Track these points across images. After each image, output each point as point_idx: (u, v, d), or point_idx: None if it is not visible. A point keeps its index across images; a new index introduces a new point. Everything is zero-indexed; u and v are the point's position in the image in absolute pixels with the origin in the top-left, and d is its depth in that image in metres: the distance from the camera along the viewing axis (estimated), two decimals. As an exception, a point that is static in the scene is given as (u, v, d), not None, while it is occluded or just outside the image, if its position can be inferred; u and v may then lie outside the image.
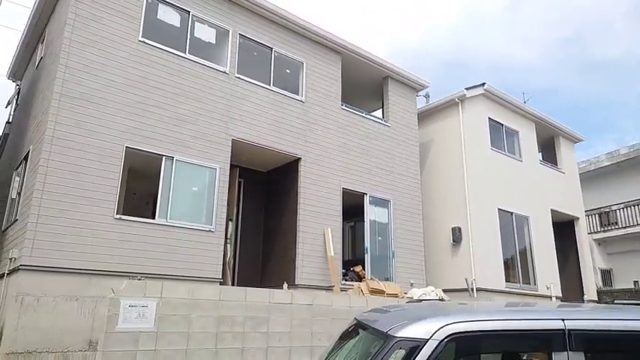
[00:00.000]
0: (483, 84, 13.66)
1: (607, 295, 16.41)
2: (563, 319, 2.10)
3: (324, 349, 3.52)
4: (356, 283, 9.64)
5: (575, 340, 2.04)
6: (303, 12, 9.28)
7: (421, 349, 2.06)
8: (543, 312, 2.48)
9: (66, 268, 6.73)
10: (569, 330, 2.07)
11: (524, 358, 2.51)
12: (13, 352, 6.17)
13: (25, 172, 8.13)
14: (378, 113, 13.29)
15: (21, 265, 6.44)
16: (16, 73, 11.93)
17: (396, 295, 9.13)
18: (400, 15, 51.78)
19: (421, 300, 8.73)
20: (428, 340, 2.08)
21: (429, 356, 2.04)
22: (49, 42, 8.94)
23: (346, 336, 3.13)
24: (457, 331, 2.09)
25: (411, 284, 10.82)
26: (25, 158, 8.25)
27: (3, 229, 8.75)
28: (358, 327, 2.93)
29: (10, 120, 11.88)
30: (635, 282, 18.77)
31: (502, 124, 14.23)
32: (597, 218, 20.72)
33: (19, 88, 11.51)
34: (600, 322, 2.18)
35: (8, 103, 11.89)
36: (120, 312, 5.65)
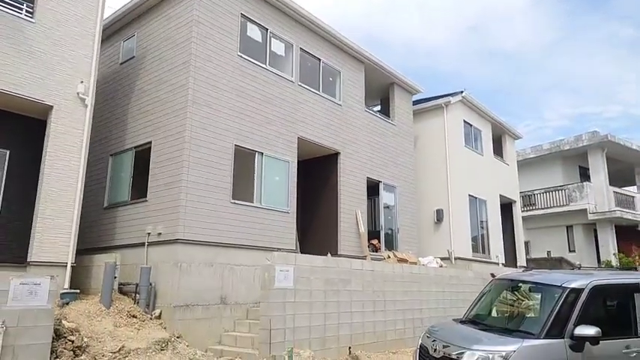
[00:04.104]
0: (462, 92, 16.78)
1: (532, 263, 20.93)
2: (637, 278, 5.06)
3: (475, 298, 6.26)
4: (385, 253, 12.43)
5: (643, 287, 5.02)
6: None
7: (582, 291, 4.85)
8: (626, 275, 5.50)
9: (203, 241, 8.67)
10: (639, 284, 5.03)
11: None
12: (177, 305, 8.13)
13: (135, 160, 9.68)
14: (375, 109, 15.86)
15: (178, 239, 8.30)
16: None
17: (415, 263, 12.09)
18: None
19: (442, 266, 11.82)
20: (585, 288, 4.87)
21: (586, 296, 4.84)
22: (145, 46, 10.25)
23: (499, 288, 5.88)
24: (597, 284, 4.92)
25: (409, 253, 13.83)
26: (137, 147, 9.76)
27: (106, 205, 10.18)
28: (515, 282, 5.69)
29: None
30: (548, 252, 23.74)
31: (472, 125, 17.57)
32: (521, 200, 25.36)
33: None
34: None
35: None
36: (275, 275, 7.86)
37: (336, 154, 12.37)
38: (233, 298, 9.02)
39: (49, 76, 8.11)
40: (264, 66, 10.54)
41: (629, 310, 5.15)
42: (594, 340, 4.65)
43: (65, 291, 7.69)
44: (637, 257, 21.32)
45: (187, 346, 7.51)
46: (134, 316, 7.75)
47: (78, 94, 8.42)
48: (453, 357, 4.96)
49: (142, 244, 8.85)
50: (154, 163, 9.24)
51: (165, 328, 7.93)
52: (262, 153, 10.13)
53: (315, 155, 12.63)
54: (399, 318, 10.20)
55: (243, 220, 9.47)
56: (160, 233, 8.62)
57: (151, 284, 8.32)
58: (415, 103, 16.63)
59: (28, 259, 7.74)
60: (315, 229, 12.50)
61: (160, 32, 9.93)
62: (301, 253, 10.84)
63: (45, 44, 8.09)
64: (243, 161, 9.80)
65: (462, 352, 4.89)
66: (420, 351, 5.78)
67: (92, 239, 10.08)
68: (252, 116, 10.02)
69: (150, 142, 9.46)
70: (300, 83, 11.44)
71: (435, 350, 5.32)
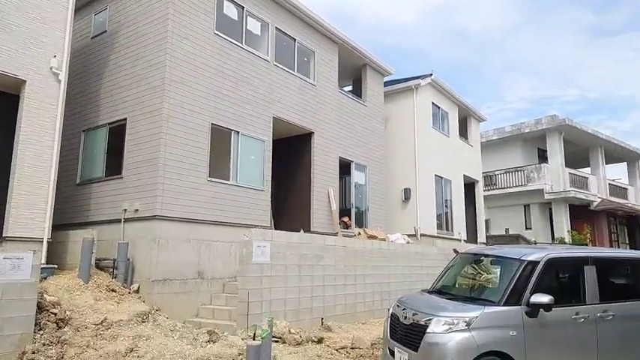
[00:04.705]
0: (431, 74, 17.25)
1: (491, 239, 22.03)
2: (586, 254, 5.66)
3: (441, 271, 6.77)
4: (355, 230, 12.90)
5: (590, 260, 5.61)
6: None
7: (539, 263, 5.39)
8: (577, 249, 6.11)
9: (180, 217, 8.83)
10: (588, 257, 5.63)
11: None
12: (155, 279, 8.32)
13: (109, 137, 9.63)
14: (346, 89, 16.11)
15: (156, 216, 8.43)
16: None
17: (383, 239, 12.62)
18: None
19: (408, 242, 12.41)
20: (541, 261, 5.42)
21: (541, 267, 5.39)
22: (118, 21, 10.07)
23: (463, 261, 6.39)
24: (552, 257, 5.48)
25: (379, 230, 14.38)
26: (111, 124, 9.70)
27: (79, 181, 10.12)
28: (477, 256, 6.20)
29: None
30: (507, 229, 24.97)
31: (439, 107, 18.13)
32: (483, 180, 26.42)
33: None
34: (594, 254, 5.82)
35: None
36: (253, 250, 8.16)
37: (310, 134, 12.62)
38: (210, 273, 9.27)
39: (22, 50, 7.93)
40: (240, 45, 10.58)
41: (579, 280, 5.76)
42: (548, 307, 5.21)
43: (43, 266, 7.72)
44: (588, 234, 22.81)
45: (167, 318, 7.75)
46: (113, 290, 7.90)
47: (51, 68, 8.28)
48: (422, 323, 5.43)
49: (118, 221, 8.91)
50: (130, 140, 9.24)
51: (144, 301, 8.11)
52: (238, 132, 10.27)
53: (289, 134, 12.81)
54: (369, 291, 10.73)
55: (219, 198, 9.65)
56: (136, 210, 8.71)
57: (128, 259, 8.45)
58: (385, 84, 16.94)
59: (4, 235, 7.71)
60: (288, 206, 12.81)
61: (134, 7, 9.78)
62: (275, 229, 11.13)
63: (17, 17, 7.89)
64: (220, 140, 9.92)
65: (430, 319, 5.36)
66: (391, 319, 6.24)
67: (66, 215, 10.02)
68: (228, 95, 10.11)
69: (125, 119, 9.43)
70: (275, 63, 11.55)
71: (405, 318, 5.78)
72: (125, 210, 8.85)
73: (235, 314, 8.16)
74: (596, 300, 5.67)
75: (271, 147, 11.17)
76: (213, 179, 9.57)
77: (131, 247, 8.55)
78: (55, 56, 8.33)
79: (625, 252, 7.39)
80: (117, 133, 9.61)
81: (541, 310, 5.20)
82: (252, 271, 8.14)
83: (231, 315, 8.35)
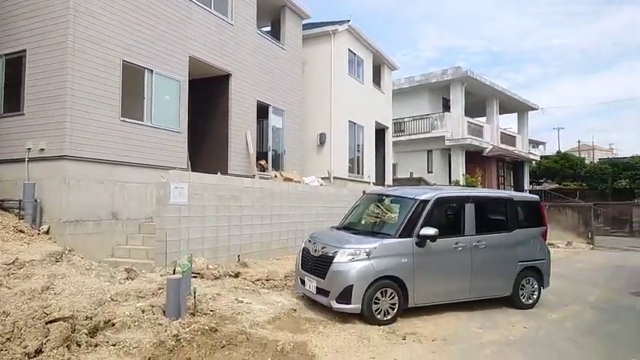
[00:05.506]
0: (349, 21, 17.51)
1: (397, 182, 23.75)
2: (467, 194, 6.64)
3: (348, 210, 7.52)
4: (272, 173, 13.33)
5: (470, 199, 6.60)
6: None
7: (429, 202, 6.28)
8: (462, 190, 7.07)
9: (92, 158, 8.61)
10: (469, 197, 6.62)
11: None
12: (66, 220, 8.20)
13: (5, 69, 8.87)
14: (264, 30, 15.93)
15: (65, 156, 8.14)
16: None
17: (299, 182, 13.24)
18: None
19: (321, 184, 13.14)
20: (431, 200, 6.30)
21: (431, 205, 6.28)
22: None
23: (368, 201, 7.16)
24: (440, 197, 6.39)
25: (294, 173, 14.98)
26: (7, 55, 8.91)
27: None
28: (380, 196, 6.99)
29: None
30: (411, 173, 26.97)
31: (355, 54, 18.61)
32: (393, 126, 27.90)
33: None
34: (473, 194, 6.82)
35: None
36: (170, 191, 8.30)
37: (228, 76, 12.52)
38: (125, 214, 9.27)
39: None
40: (152, -24, 10.00)
41: (461, 216, 6.79)
42: (433, 238, 6.16)
43: (-62, 208, 7.28)
44: (479, 177, 25.45)
45: (82, 258, 7.77)
46: (21, 231, 7.70)
47: None
48: (330, 255, 6.15)
49: (22, 160, 8.49)
50: (31, 74, 8.61)
51: (55, 242, 8.01)
52: (152, 70, 9.96)
53: (207, 75, 12.60)
54: (284, 230, 11.41)
55: (133, 139, 9.48)
56: (42, 149, 8.34)
57: (36, 200, 8.18)
58: (303, 27, 16.90)
59: None
60: (205, 148, 12.83)
61: None
62: (192, 171, 11.21)
63: None
64: (133, 78, 9.58)
65: (336, 251, 6.09)
66: (302, 253, 6.93)
67: (-43, 154, 9.26)
68: (141, 31, 9.66)
69: (24, 51, 8.71)
70: (190, -2, 11.11)
71: (315, 251, 6.48)
72: (29, 149, 8.44)
73: (153, 253, 8.38)
74: (473, 232, 6.75)
75: (187, 88, 10.99)
76: (126, 119, 9.33)
77: (38, 187, 8.27)
78: None
79: (498, 192, 8.64)
80: (15, 66, 8.88)
81: (428, 240, 6.13)
82: (169, 211, 8.33)
83: (149, 254, 8.56)
